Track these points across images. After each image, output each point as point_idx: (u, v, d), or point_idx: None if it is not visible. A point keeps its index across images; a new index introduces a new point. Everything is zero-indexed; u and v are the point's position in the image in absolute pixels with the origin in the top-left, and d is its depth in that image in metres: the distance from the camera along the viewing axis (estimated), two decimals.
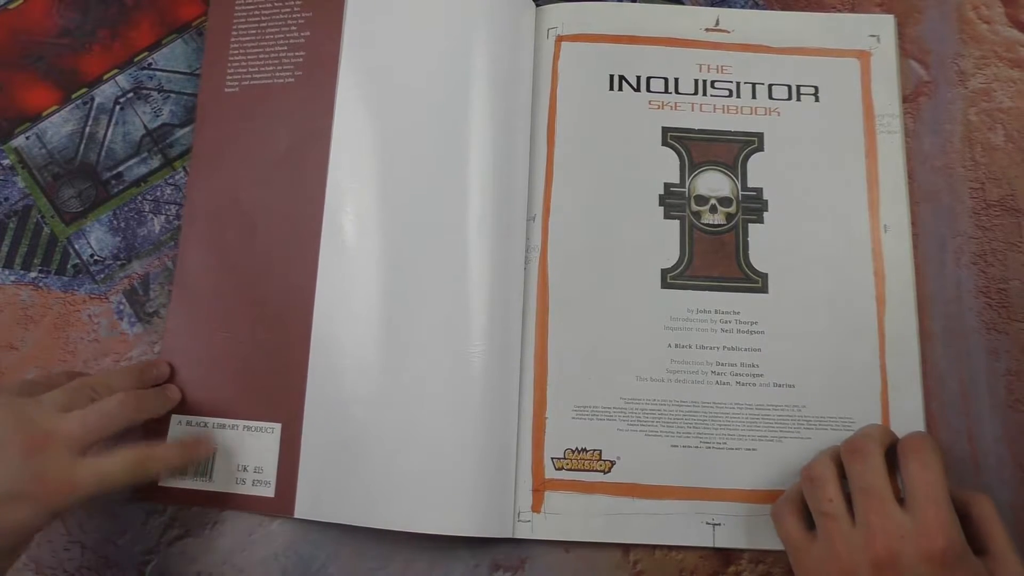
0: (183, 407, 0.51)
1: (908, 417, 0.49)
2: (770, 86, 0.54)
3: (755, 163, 0.53)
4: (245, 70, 0.56)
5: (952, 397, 0.50)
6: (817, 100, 0.54)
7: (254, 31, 0.56)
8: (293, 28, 0.56)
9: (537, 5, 0.56)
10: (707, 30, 0.55)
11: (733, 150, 0.53)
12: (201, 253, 0.54)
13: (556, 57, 0.55)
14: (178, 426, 0.51)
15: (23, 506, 0.39)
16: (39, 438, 0.41)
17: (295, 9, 0.56)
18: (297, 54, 0.55)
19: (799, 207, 0.52)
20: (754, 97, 0.54)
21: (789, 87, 0.54)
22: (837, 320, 0.50)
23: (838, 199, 0.52)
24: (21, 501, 0.39)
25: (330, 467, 0.49)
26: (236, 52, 0.56)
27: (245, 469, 0.50)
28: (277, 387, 0.51)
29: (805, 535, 0.43)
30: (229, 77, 0.56)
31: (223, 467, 0.50)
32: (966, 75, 0.55)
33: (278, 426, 0.50)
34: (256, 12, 0.56)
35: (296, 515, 0.49)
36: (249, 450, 0.50)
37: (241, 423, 0.51)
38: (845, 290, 0.51)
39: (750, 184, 0.53)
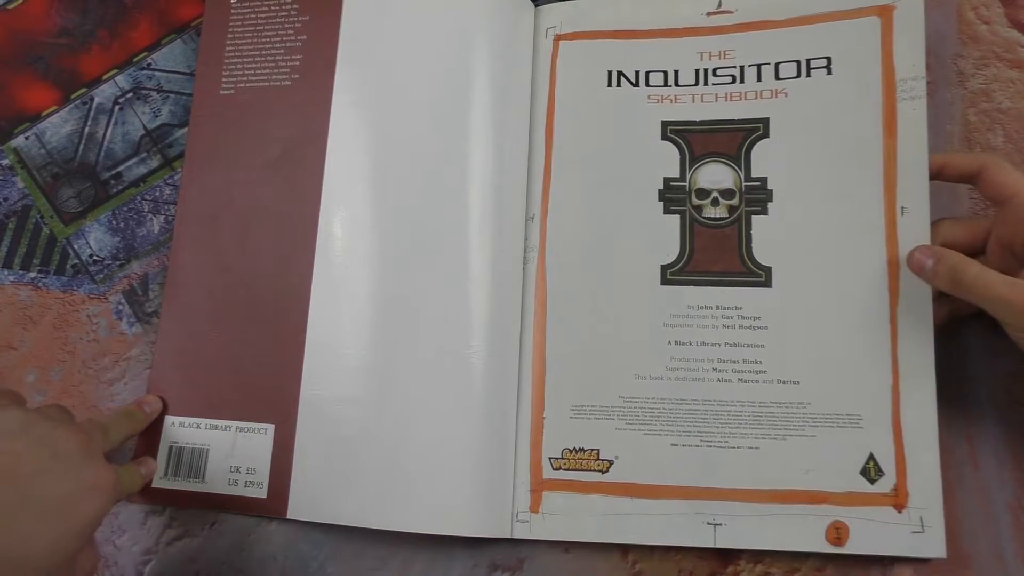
0: (176, 408, 0.52)
1: (920, 411, 0.47)
2: (777, 65, 0.52)
3: (760, 151, 0.51)
4: (241, 73, 0.56)
5: (952, 397, 0.49)
6: (829, 73, 0.51)
7: (250, 34, 0.56)
8: (290, 31, 0.56)
9: (536, 5, 0.56)
10: (709, 14, 0.54)
11: (736, 139, 0.52)
12: (194, 254, 0.54)
13: (554, 56, 0.55)
14: (172, 427, 0.51)
15: (98, 496, 0.40)
16: (86, 439, 0.42)
17: (292, 12, 0.56)
18: (294, 57, 0.55)
19: (807, 195, 0.50)
20: (759, 80, 0.52)
21: (798, 63, 0.52)
22: (846, 312, 0.49)
23: (850, 182, 0.50)
24: (96, 491, 0.40)
25: (325, 468, 0.49)
26: (232, 55, 0.56)
27: (238, 470, 0.50)
28: (271, 388, 0.51)
29: None
30: (224, 79, 0.56)
31: (216, 468, 0.50)
32: (965, 76, 0.54)
33: (271, 427, 0.50)
34: (252, 15, 0.57)
35: (289, 516, 0.49)
36: (242, 451, 0.50)
37: (234, 424, 0.51)
38: (856, 281, 0.49)
39: (754, 174, 0.51)
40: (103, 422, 0.46)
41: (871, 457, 0.47)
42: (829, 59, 0.51)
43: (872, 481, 0.47)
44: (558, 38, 0.55)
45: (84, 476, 0.40)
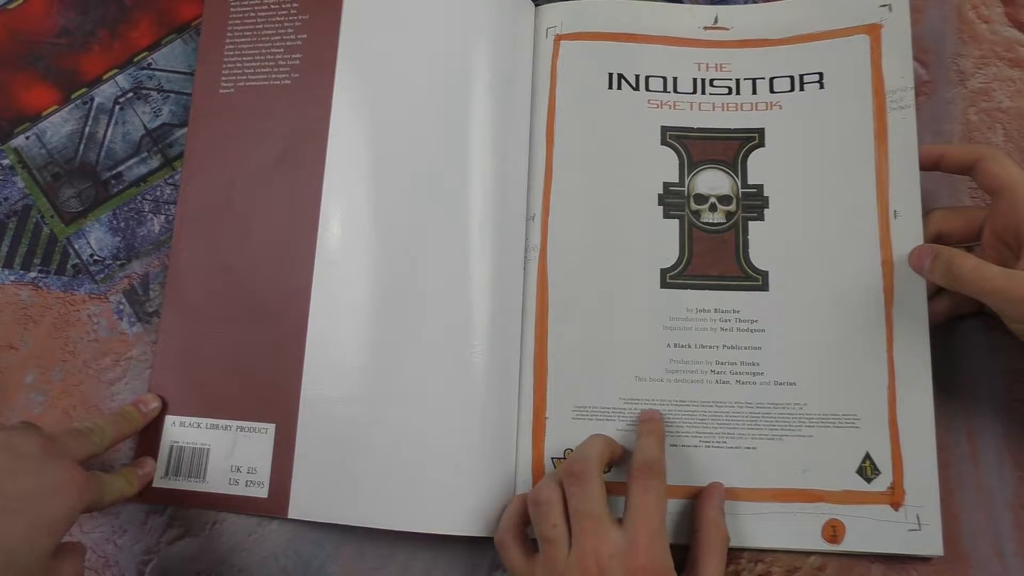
0: (177, 407, 0.52)
1: (917, 410, 0.48)
2: (771, 79, 0.53)
3: (756, 160, 0.52)
4: (240, 72, 0.56)
5: (952, 395, 0.49)
6: (822, 87, 0.52)
7: (250, 33, 0.56)
8: (290, 30, 0.56)
9: (536, 5, 0.56)
10: (705, 28, 0.55)
11: (733, 147, 0.53)
12: (194, 254, 0.54)
13: (555, 56, 0.55)
14: (172, 427, 0.51)
15: (64, 494, 0.41)
16: (48, 443, 0.42)
17: (292, 11, 0.56)
18: (294, 56, 0.55)
19: (802, 202, 0.51)
20: (754, 92, 0.53)
21: (791, 78, 0.53)
22: (842, 315, 0.49)
23: (844, 189, 0.51)
24: (61, 490, 0.41)
25: (326, 467, 0.49)
26: (231, 53, 0.56)
27: (239, 470, 0.50)
28: (271, 387, 0.51)
29: (527, 562, 0.45)
30: (224, 78, 0.56)
31: (216, 468, 0.50)
32: (965, 75, 0.54)
33: (272, 426, 0.50)
34: (252, 14, 0.56)
35: (290, 516, 0.49)
36: (243, 451, 0.50)
37: (235, 423, 0.51)
38: (851, 283, 0.49)
39: (751, 181, 0.52)
40: (81, 428, 0.46)
41: (867, 456, 0.48)
42: (821, 74, 0.53)
43: (868, 480, 0.47)
44: (559, 38, 0.55)
45: (48, 475, 0.41)
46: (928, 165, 0.49)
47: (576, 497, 0.43)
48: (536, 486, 0.46)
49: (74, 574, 0.42)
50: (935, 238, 0.49)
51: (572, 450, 0.49)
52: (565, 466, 0.45)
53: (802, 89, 0.53)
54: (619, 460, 0.48)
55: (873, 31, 0.52)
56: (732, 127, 0.53)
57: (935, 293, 0.49)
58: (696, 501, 0.47)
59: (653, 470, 0.44)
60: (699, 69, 0.54)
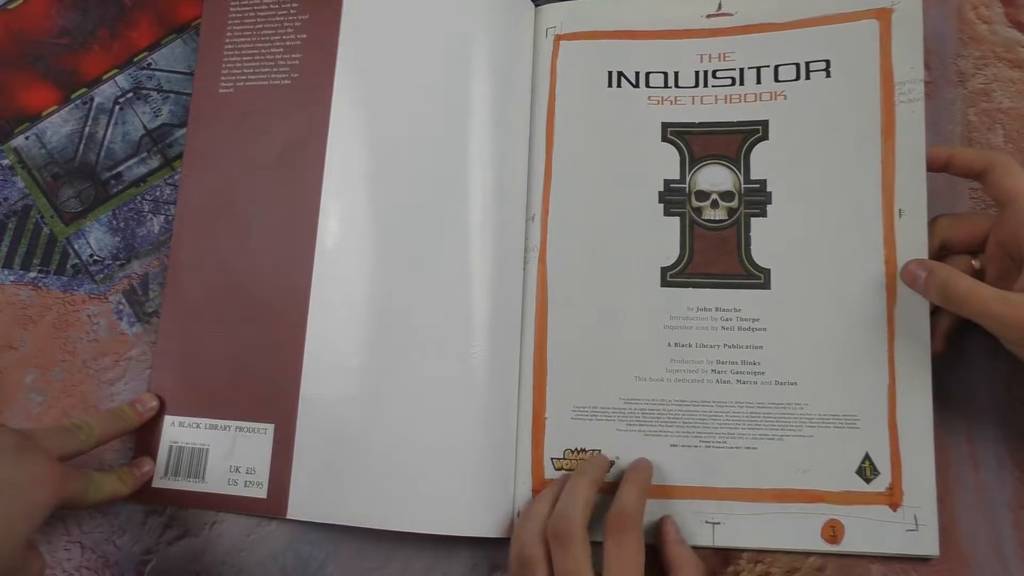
0: (176, 408, 0.52)
1: (916, 412, 0.47)
2: (776, 67, 0.52)
3: (759, 153, 0.51)
4: (240, 72, 0.56)
5: (953, 396, 0.49)
6: (828, 75, 0.51)
7: (249, 33, 0.56)
8: (290, 30, 0.56)
9: (536, 5, 0.56)
10: (708, 16, 0.54)
11: (735, 141, 0.52)
12: (194, 254, 0.54)
13: (555, 56, 0.55)
14: (171, 427, 0.51)
15: (40, 486, 0.42)
16: (23, 439, 0.43)
17: (291, 11, 0.56)
18: (293, 56, 0.55)
19: (805, 198, 0.50)
20: (759, 82, 0.52)
21: (797, 65, 0.52)
22: (844, 314, 0.49)
23: (848, 185, 0.50)
24: (38, 482, 0.42)
25: (325, 468, 0.49)
26: (231, 53, 0.56)
27: (238, 470, 0.50)
28: (271, 388, 0.51)
29: None
30: (223, 78, 0.56)
31: (215, 468, 0.51)
32: (966, 75, 0.54)
33: (271, 427, 0.50)
34: (252, 14, 0.56)
35: (289, 516, 0.49)
36: (242, 451, 0.50)
37: (234, 424, 0.51)
38: (853, 282, 0.49)
39: (753, 176, 0.51)
40: (67, 425, 0.46)
41: (867, 457, 0.48)
42: (828, 62, 0.51)
43: (868, 480, 0.47)
44: (558, 38, 0.55)
45: (23, 468, 0.41)
46: (936, 167, 0.48)
47: (560, 559, 0.43)
48: (520, 538, 0.45)
49: (39, 572, 0.43)
50: (940, 246, 0.48)
51: (572, 450, 0.49)
52: (551, 525, 0.44)
53: (808, 78, 0.52)
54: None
55: (883, 15, 0.51)
56: (735, 120, 0.52)
57: (936, 309, 0.48)
58: (658, 541, 0.47)
59: (627, 523, 0.44)
60: (701, 61, 0.53)
